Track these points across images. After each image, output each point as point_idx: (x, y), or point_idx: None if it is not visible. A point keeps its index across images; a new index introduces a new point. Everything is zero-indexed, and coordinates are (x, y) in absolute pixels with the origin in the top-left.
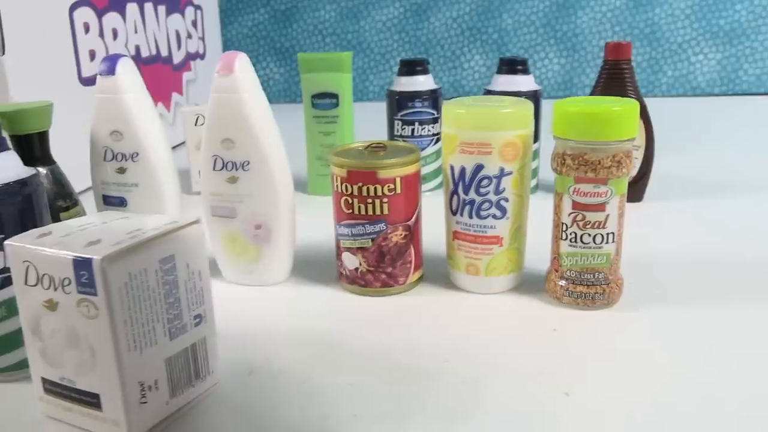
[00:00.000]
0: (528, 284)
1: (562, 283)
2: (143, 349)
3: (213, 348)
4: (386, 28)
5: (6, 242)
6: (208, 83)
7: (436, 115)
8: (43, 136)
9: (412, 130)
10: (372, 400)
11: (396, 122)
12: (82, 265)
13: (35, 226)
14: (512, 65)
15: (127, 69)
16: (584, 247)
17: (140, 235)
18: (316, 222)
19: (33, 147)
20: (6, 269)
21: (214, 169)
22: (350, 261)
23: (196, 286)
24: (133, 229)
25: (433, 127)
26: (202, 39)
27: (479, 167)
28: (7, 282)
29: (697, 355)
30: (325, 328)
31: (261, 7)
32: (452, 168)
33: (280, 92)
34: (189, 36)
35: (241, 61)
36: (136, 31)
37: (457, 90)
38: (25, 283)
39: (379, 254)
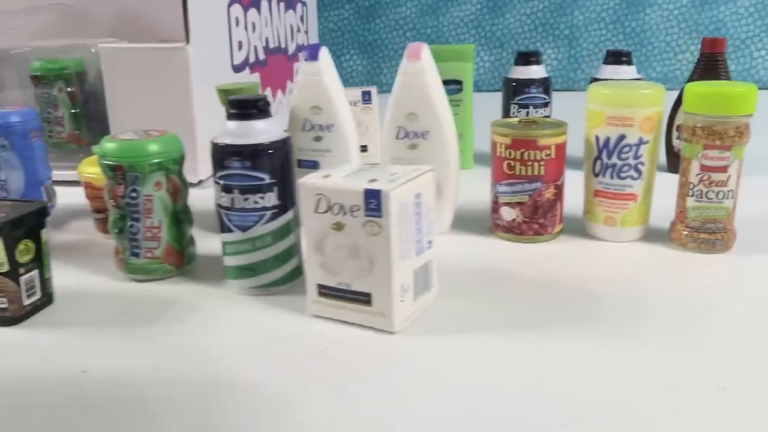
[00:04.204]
0: (650, 235)
1: (687, 231)
2: (404, 260)
3: (435, 268)
4: (463, 23)
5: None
6: None
7: (547, 100)
8: None
9: (527, 113)
10: (551, 311)
11: (512, 106)
12: (372, 194)
13: (291, 174)
14: (618, 56)
15: (325, 55)
16: (708, 202)
17: (403, 176)
18: None
19: None
20: (275, 206)
21: (397, 137)
22: (508, 213)
23: (429, 218)
24: (392, 173)
25: (544, 110)
26: (306, 32)
27: (622, 137)
28: (275, 216)
29: None
30: (492, 266)
31: (346, 3)
32: (597, 138)
33: (362, 83)
34: (298, 30)
35: (426, 51)
36: (266, 25)
37: None
38: (315, 211)
39: (534, 208)
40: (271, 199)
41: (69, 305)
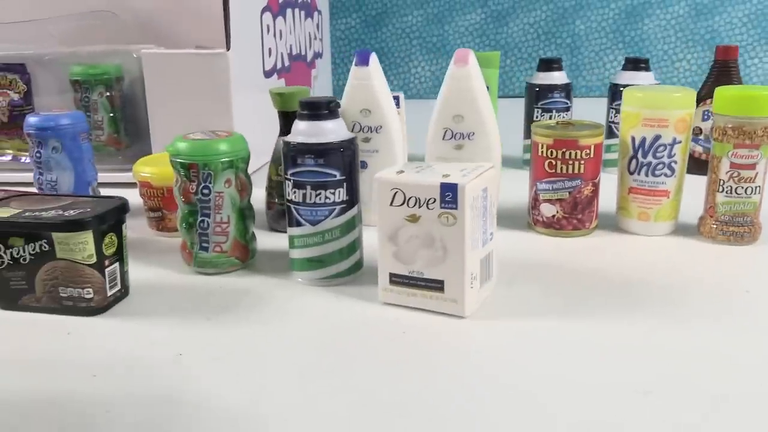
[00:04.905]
0: (680, 230)
1: (717, 225)
2: (473, 250)
3: (495, 258)
4: (468, 32)
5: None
6: (326, 79)
7: (568, 105)
8: None
9: (550, 116)
10: (603, 297)
11: (536, 110)
12: (448, 188)
13: (357, 171)
14: (636, 63)
15: (375, 61)
16: (737, 197)
17: (472, 172)
18: None
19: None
20: (344, 201)
21: (443, 138)
22: (548, 210)
23: (492, 212)
24: (461, 169)
25: (566, 114)
26: (321, 40)
27: (657, 137)
28: (343, 210)
29: None
30: (537, 258)
31: (354, 12)
32: (633, 138)
33: None
34: (315, 37)
35: (472, 57)
36: (290, 33)
37: None
38: (390, 204)
39: (574, 204)
40: (340, 194)
41: (145, 296)
